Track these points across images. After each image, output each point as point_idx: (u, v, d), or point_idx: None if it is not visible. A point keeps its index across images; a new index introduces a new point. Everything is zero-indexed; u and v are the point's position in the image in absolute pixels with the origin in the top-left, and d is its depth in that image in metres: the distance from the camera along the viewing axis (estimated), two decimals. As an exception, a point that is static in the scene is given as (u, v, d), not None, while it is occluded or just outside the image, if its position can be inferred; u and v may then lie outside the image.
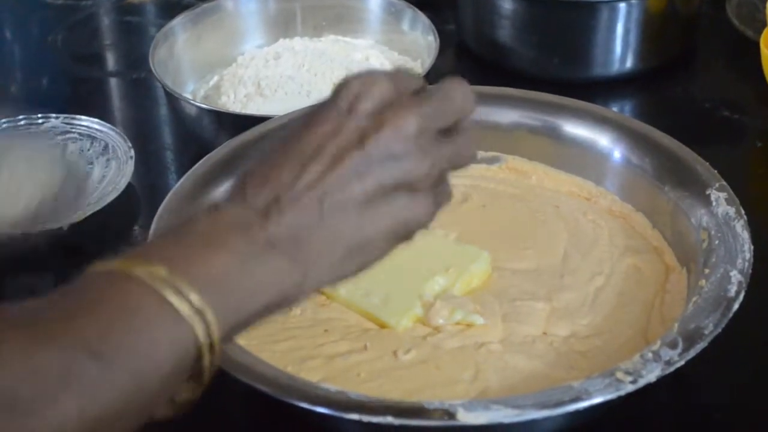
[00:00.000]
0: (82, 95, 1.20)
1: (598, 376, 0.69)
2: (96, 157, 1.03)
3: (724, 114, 1.10)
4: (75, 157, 1.02)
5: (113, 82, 1.22)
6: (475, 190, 0.92)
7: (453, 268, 0.82)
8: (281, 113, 0.95)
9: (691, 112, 1.12)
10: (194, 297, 0.53)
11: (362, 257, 0.58)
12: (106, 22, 1.32)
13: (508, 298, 0.82)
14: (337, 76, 1.09)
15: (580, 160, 0.93)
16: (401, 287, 0.80)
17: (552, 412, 0.66)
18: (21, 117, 1.06)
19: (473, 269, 0.83)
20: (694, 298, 0.75)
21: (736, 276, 0.75)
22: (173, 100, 1.06)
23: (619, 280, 0.84)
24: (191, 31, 1.13)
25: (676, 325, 0.72)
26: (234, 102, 1.07)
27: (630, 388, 0.67)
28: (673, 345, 0.70)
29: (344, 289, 0.80)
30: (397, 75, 0.61)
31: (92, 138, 1.04)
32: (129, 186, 0.99)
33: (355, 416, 0.66)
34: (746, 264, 0.76)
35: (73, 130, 1.05)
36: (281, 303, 0.57)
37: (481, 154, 0.95)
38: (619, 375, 0.68)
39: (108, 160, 1.02)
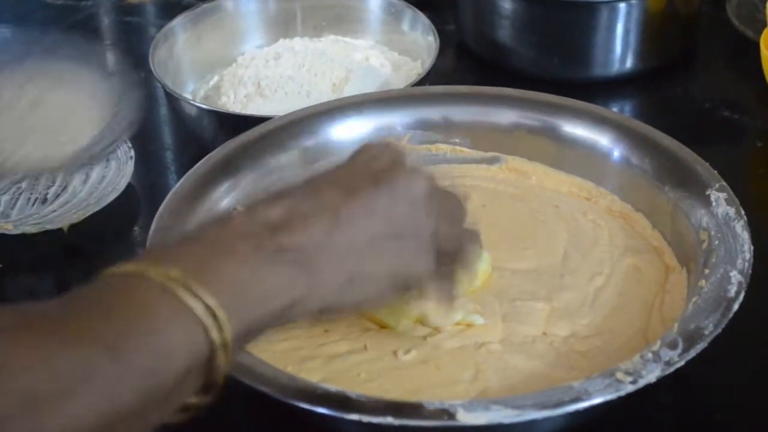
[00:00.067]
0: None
1: (598, 376, 0.69)
2: (96, 158, 1.03)
3: (724, 114, 1.10)
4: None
5: (113, 82, 1.22)
6: (475, 190, 0.92)
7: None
8: (281, 113, 0.95)
9: (691, 112, 1.12)
10: (209, 299, 0.54)
11: (361, 289, 0.60)
12: (106, 22, 1.32)
13: (508, 298, 0.82)
14: (337, 76, 1.09)
15: (580, 160, 0.93)
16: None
17: (552, 412, 0.66)
18: (21, 117, 1.06)
19: (473, 269, 0.83)
20: (694, 299, 0.75)
21: (736, 276, 0.75)
22: (173, 101, 1.06)
23: (619, 280, 0.84)
24: (191, 31, 1.13)
25: (676, 325, 0.72)
26: (234, 102, 1.07)
27: (630, 388, 0.67)
28: (673, 345, 0.70)
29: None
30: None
31: (92, 138, 1.04)
32: (129, 186, 0.99)
33: (355, 416, 0.66)
34: (746, 264, 0.76)
35: (73, 130, 1.05)
36: (288, 312, 0.58)
37: (481, 154, 0.95)
38: (619, 375, 0.68)
39: (108, 160, 1.02)
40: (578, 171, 0.93)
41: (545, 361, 0.77)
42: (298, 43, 1.17)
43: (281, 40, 1.17)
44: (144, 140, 1.07)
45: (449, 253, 0.64)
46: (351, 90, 1.06)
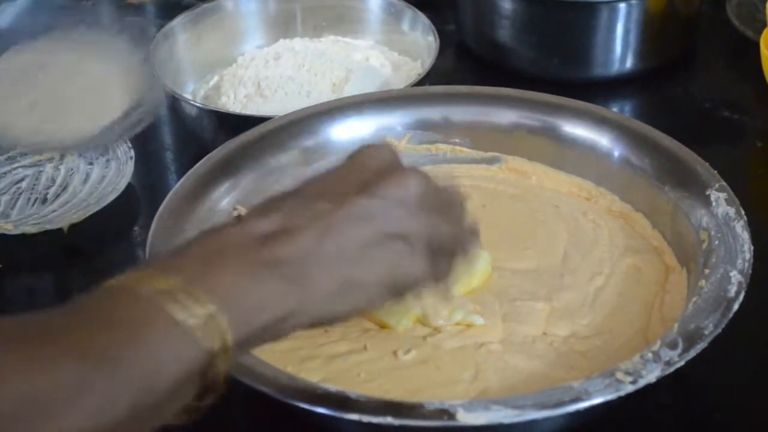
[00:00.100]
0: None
1: (598, 376, 0.69)
2: (96, 158, 1.03)
3: (724, 114, 1.10)
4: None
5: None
6: (475, 190, 0.92)
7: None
8: (281, 113, 0.95)
9: (691, 112, 1.12)
10: (210, 306, 0.54)
11: (355, 297, 0.60)
12: (106, 22, 1.32)
13: (508, 298, 0.82)
14: (337, 76, 1.09)
15: (580, 160, 0.93)
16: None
17: (552, 412, 0.66)
18: (21, 117, 1.06)
19: (473, 269, 0.83)
20: (694, 299, 0.75)
21: (736, 276, 0.75)
22: (173, 101, 1.06)
23: (619, 280, 0.84)
24: (191, 31, 1.13)
25: (676, 325, 0.72)
26: (234, 102, 1.07)
27: (630, 388, 0.67)
28: (673, 345, 0.70)
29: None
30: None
31: (92, 138, 1.05)
32: (129, 186, 0.99)
33: (355, 416, 0.66)
34: (746, 264, 0.76)
35: (73, 130, 1.05)
36: (281, 325, 0.58)
37: (481, 154, 0.95)
38: (619, 375, 0.68)
39: (108, 160, 1.02)
40: (578, 171, 0.93)
41: (545, 361, 0.77)
42: (298, 43, 1.17)
43: (281, 41, 1.17)
44: (144, 140, 1.07)
45: (447, 252, 0.64)
46: (351, 90, 1.06)
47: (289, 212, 0.59)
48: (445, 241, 0.63)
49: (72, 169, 1.03)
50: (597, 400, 0.67)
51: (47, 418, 0.49)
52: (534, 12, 1.13)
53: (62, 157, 1.04)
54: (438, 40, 1.10)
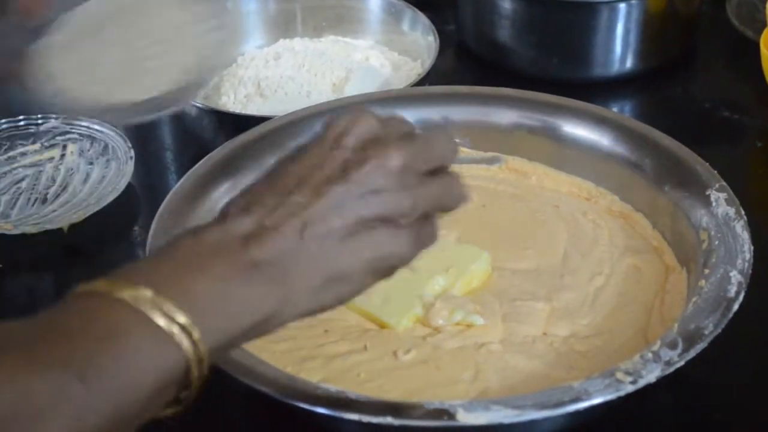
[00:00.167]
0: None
1: (598, 376, 0.69)
2: (96, 158, 1.03)
3: (724, 114, 1.10)
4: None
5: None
6: (475, 190, 0.91)
7: (453, 268, 0.82)
8: (281, 113, 0.95)
9: (691, 112, 1.12)
10: (181, 317, 0.53)
11: (340, 288, 0.59)
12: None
13: (508, 298, 0.82)
14: (337, 76, 1.09)
15: (580, 160, 0.93)
16: (401, 287, 0.80)
17: (552, 412, 0.66)
18: (21, 117, 1.06)
19: (473, 269, 0.83)
20: (694, 299, 0.75)
21: (736, 276, 0.75)
22: (173, 101, 1.06)
23: (619, 280, 0.84)
24: (191, 31, 1.13)
25: (676, 325, 0.72)
26: (234, 102, 1.08)
27: (630, 388, 0.67)
28: (673, 345, 0.70)
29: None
30: (386, 116, 0.62)
31: (92, 138, 1.04)
32: (129, 186, 0.99)
33: (355, 416, 0.66)
34: (746, 264, 0.76)
35: (73, 130, 1.05)
36: (264, 325, 0.57)
37: (481, 154, 0.95)
38: (619, 375, 0.68)
39: (108, 160, 1.02)
40: (578, 171, 0.93)
41: (545, 361, 0.77)
42: (298, 43, 1.17)
43: (281, 41, 1.17)
44: (144, 140, 1.08)
45: (431, 214, 0.62)
46: (351, 90, 1.06)
47: (268, 209, 0.58)
48: (430, 203, 0.61)
49: (72, 169, 1.03)
50: (597, 400, 0.67)
51: (29, 426, 0.49)
52: (534, 12, 1.13)
53: (62, 156, 1.04)
54: (438, 40, 1.10)
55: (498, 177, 0.94)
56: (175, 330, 0.53)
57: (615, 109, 1.10)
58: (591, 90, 1.10)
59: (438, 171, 0.63)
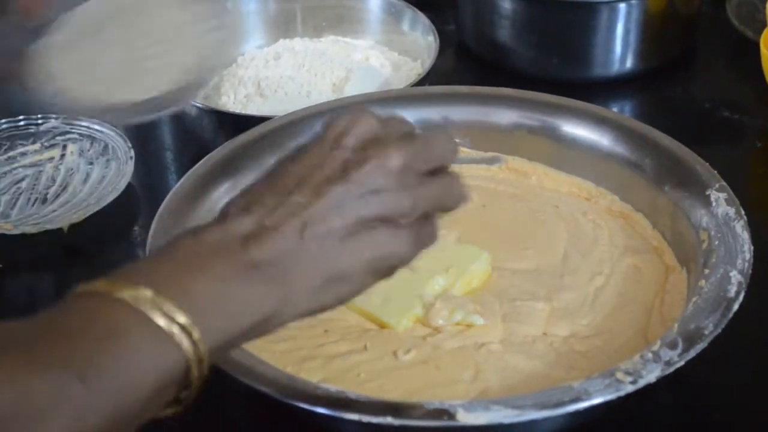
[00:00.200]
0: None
1: (598, 376, 0.69)
2: (96, 158, 1.03)
3: (724, 114, 1.10)
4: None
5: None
6: (475, 190, 0.91)
7: (453, 268, 0.82)
8: (281, 113, 0.95)
9: (691, 112, 1.12)
10: (181, 317, 0.53)
11: (340, 288, 0.59)
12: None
13: (508, 298, 0.82)
14: (337, 76, 1.09)
15: (579, 160, 0.93)
16: (401, 287, 0.80)
17: (552, 412, 0.66)
18: (21, 117, 1.06)
19: (473, 269, 0.83)
20: (694, 299, 0.75)
21: (736, 276, 0.75)
22: (173, 101, 1.06)
23: (619, 280, 0.84)
24: (191, 31, 1.13)
25: (676, 325, 0.72)
26: (234, 102, 1.08)
27: (630, 388, 0.67)
28: (673, 345, 0.70)
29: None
30: (386, 116, 0.62)
31: (92, 138, 1.05)
32: (129, 186, 0.99)
33: (355, 416, 0.66)
34: (746, 264, 0.76)
35: (73, 130, 1.05)
36: (264, 325, 0.57)
37: (481, 154, 0.95)
38: (619, 375, 0.68)
39: (108, 160, 1.02)
40: (578, 171, 0.93)
41: (545, 361, 0.77)
42: (298, 43, 1.17)
43: (281, 41, 1.17)
44: (144, 140, 1.08)
45: (431, 214, 0.62)
46: (351, 90, 1.06)
47: (268, 209, 0.58)
48: (430, 204, 0.61)
49: (72, 169, 1.03)
50: (597, 400, 0.67)
51: (29, 426, 0.49)
52: (534, 12, 1.13)
53: (62, 156, 1.04)
54: (438, 40, 1.10)
55: (498, 177, 0.94)
56: (175, 330, 0.53)
57: (615, 109, 1.10)
58: (591, 90, 1.10)
59: (438, 171, 0.62)
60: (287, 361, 0.76)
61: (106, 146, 1.03)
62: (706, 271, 0.77)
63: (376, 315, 0.79)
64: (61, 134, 1.05)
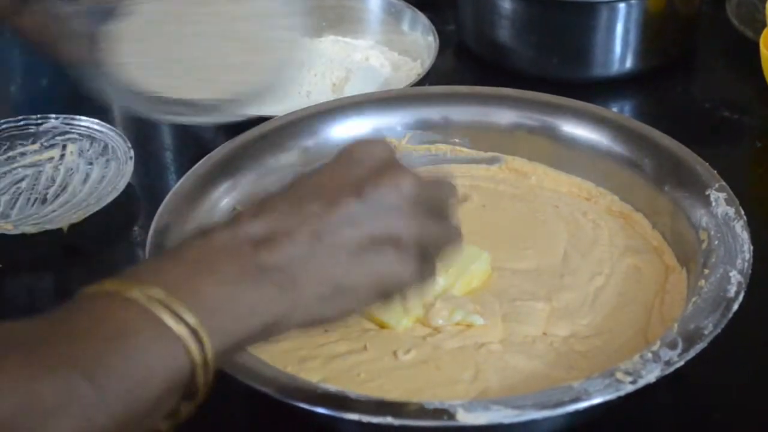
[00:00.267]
0: (81, 95, 1.19)
1: (598, 376, 0.69)
2: (95, 158, 1.03)
3: (724, 114, 1.10)
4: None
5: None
6: (475, 190, 0.92)
7: (453, 268, 0.82)
8: (281, 113, 0.95)
9: (691, 112, 1.12)
10: (190, 318, 0.53)
11: (344, 301, 0.60)
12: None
13: (508, 298, 0.82)
14: (337, 76, 1.09)
15: (579, 160, 0.93)
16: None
17: (552, 412, 0.66)
18: (20, 117, 1.06)
19: (473, 269, 0.83)
20: (693, 299, 0.75)
21: (735, 276, 0.75)
22: (173, 100, 1.06)
23: (619, 280, 0.84)
24: (191, 31, 1.13)
25: (676, 325, 0.72)
26: (234, 102, 1.07)
27: (630, 388, 0.67)
28: (672, 345, 0.70)
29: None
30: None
31: (92, 138, 1.05)
32: (129, 186, 0.99)
33: (355, 416, 0.66)
34: (746, 264, 0.76)
35: (73, 130, 1.05)
36: (270, 329, 0.58)
37: (481, 154, 0.95)
38: (619, 375, 0.68)
39: (107, 160, 1.02)
40: (578, 171, 0.93)
41: (545, 361, 0.77)
42: (298, 43, 1.16)
43: (281, 40, 1.17)
44: (144, 140, 1.08)
45: (434, 251, 0.64)
46: (351, 90, 1.06)
47: (281, 215, 0.58)
48: (433, 242, 0.63)
49: (72, 169, 1.03)
50: (597, 400, 0.67)
51: (37, 426, 0.49)
52: (534, 12, 1.13)
53: (62, 156, 1.04)
54: (438, 40, 1.10)
55: (498, 177, 0.94)
56: (183, 331, 0.53)
57: (615, 109, 1.10)
58: (591, 90, 1.10)
59: (440, 213, 0.64)
60: (287, 361, 0.76)
61: (105, 146, 1.03)
62: (706, 271, 0.77)
63: (376, 315, 0.79)
64: (60, 134, 1.05)
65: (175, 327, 0.53)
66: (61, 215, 0.97)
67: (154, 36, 0.79)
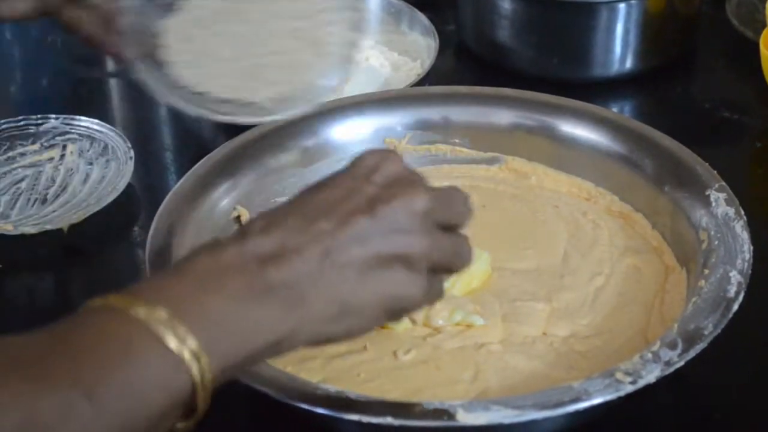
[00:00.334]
0: (81, 96, 1.20)
1: (598, 376, 0.69)
2: (95, 158, 1.03)
3: (724, 114, 1.10)
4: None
5: (113, 83, 1.22)
6: (475, 190, 0.92)
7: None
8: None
9: (691, 112, 1.12)
10: (192, 341, 0.53)
11: (351, 321, 0.59)
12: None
13: (508, 298, 0.82)
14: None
15: (579, 161, 0.93)
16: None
17: (552, 412, 0.66)
18: (20, 117, 1.06)
19: (473, 269, 0.82)
20: (693, 299, 0.75)
21: (735, 276, 0.75)
22: (173, 101, 1.06)
23: (619, 281, 0.84)
24: (191, 32, 1.13)
25: (676, 325, 0.72)
26: (234, 102, 1.07)
27: (630, 388, 0.67)
28: (672, 345, 0.70)
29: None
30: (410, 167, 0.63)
31: (92, 139, 1.05)
32: (129, 186, 0.99)
33: (355, 416, 0.66)
34: (746, 264, 0.76)
35: (73, 130, 1.05)
36: (276, 348, 0.57)
37: (481, 154, 0.95)
38: (619, 375, 0.68)
39: (107, 160, 1.02)
40: (578, 171, 0.93)
41: (545, 361, 0.77)
42: (298, 43, 1.16)
43: (281, 41, 1.17)
44: (144, 140, 1.08)
45: (443, 270, 0.63)
46: (351, 90, 1.06)
47: (290, 232, 0.58)
48: (443, 260, 0.62)
49: (72, 170, 1.03)
50: (597, 400, 0.67)
51: None
52: (534, 12, 1.13)
53: (62, 157, 1.04)
54: (438, 40, 1.10)
55: (498, 177, 0.94)
56: (186, 354, 0.53)
57: (615, 109, 1.10)
58: (591, 90, 1.10)
59: (452, 228, 0.63)
60: (287, 361, 0.76)
61: (105, 146, 1.03)
62: (706, 271, 0.77)
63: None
64: (60, 134, 1.05)
65: (177, 349, 0.53)
66: (61, 215, 0.97)
67: (204, 33, 0.78)
